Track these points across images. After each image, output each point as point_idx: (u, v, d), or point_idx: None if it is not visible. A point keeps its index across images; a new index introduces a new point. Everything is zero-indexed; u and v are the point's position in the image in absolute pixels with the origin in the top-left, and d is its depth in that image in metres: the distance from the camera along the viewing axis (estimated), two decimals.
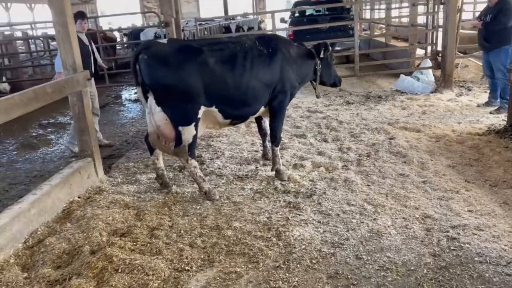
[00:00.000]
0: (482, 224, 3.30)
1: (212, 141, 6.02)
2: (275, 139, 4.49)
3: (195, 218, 3.68)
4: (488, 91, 7.54)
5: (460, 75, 9.00)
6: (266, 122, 4.79)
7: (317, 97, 4.94)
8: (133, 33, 11.81)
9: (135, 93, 11.35)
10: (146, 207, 3.91)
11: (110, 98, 10.86)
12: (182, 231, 3.45)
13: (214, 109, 4.00)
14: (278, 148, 4.56)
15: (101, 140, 6.62)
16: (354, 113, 7.06)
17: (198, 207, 3.92)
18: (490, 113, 6.43)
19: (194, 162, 4.08)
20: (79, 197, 4.14)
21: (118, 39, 17.67)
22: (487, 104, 6.83)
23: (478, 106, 6.93)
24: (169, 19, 7.88)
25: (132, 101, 10.39)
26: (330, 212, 3.68)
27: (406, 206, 3.70)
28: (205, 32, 11.04)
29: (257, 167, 4.84)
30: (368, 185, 4.20)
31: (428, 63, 8.53)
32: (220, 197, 4.09)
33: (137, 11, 10.39)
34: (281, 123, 4.55)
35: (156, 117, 3.84)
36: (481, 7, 11.28)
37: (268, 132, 4.74)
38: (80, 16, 6.01)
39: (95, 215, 3.61)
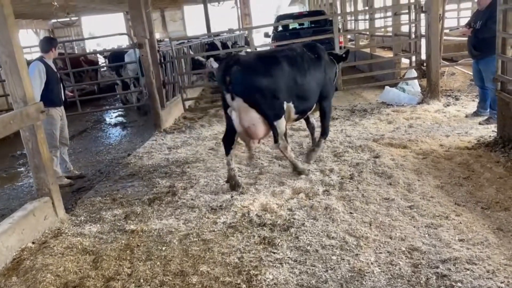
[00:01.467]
0: (475, 256, 2.95)
1: (188, 167, 5.67)
2: (325, 134, 5.37)
3: (158, 263, 3.31)
4: (477, 100, 7.29)
5: (447, 84, 8.75)
6: (311, 118, 5.62)
7: None
8: (114, 55, 11.47)
9: (116, 116, 11.04)
10: (106, 250, 3.53)
11: (89, 123, 10.50)
12: (141, 280, 3.07)
13: (291, 104, 4.71)
14: (325, 140, 5.48)
15: (72, 171, 6.26)
16: (338, 130, 6.74)
17: (163, 248, 3.55)
18: (479, 123, 6.14)
19: (288, 147, 4.84)
20: (33, 243, 3.75)
21: (102, 62, 17.38)
22: (476, 114, 6.54)
23: (467, 116, 6.64)
24: (142, 41, 7.59)
25: (112, 126, 10.05)
26: (308, 247, 3.33)
27: (391, 237, 3.35)
28: (186, 51, 10.76)
29: (232, 196, 4.48)
30: (350, 213, 3.85)
31: (413, 73, 8.28)
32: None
33: (116, 33, 10.08)
34: (330, 119, 5.50)
35: (248, 118, 4.43)
36: (465, 13, 11.16)
37: (315, 126, 5.64)
38: (49, 43, 5.74)
39: (45, 266, 3.23)
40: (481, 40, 6.04)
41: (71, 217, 4.38)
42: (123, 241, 3.74)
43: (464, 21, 10.27)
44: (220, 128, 7.73)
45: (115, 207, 4.57)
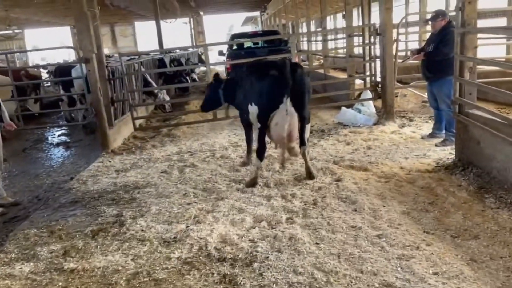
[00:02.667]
0: None
1: (138, 193, 5.20)
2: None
3: None
4: (431, 121, 7.40)
5: (400, 105, 8.88)
6: None
7: None
8: (59, 70, 10.68)
9: (59, 135, 10.26)
10: None
11: (29, 142, 9.66)
12: None
13: None
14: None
15: (5, 198, 5.58)
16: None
17: None
18: (436, 145, 6.17)
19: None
20: None
21: (46, 76, 16.32)
22: (431, 135, 6.59)
23: (422, 138, 6.68)
24: (89, 55, 7.07)
25: (54, 145, 9.28)
26: (274, 286, 3.00)
27: (362, 271, 3.10)
28: (137, 67, 10.25)
29: (188, 226, 4.08)
30: (316, 243, 3.58)
31: (369, 94, 8.32)
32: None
33: (62, 46, 9.35)
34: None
35: (294, 121, 4.75)
36: (414, 37, 11.54)
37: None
38: None
39: None
40: (433, 62, 6.13)
41: None
42: (60, 283, 3.24)
43: (414, 45, 10.68)
44: (173, 149, 7.31)
45: (53, 241, 4.02)
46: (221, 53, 14.94)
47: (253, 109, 4.95)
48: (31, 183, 6.56)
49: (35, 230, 4.32)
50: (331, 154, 6.19)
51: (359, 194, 4.53)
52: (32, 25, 28.07)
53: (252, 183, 5.06)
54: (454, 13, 5.24)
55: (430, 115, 7.99)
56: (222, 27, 37.52)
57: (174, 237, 3.91)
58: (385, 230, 3.69)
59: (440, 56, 5.89)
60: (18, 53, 24.45)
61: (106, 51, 28.13)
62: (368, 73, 8.77)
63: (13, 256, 3.78)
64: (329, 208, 4.26)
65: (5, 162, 7.88)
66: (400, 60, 8.00)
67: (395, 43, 7.71)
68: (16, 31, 23.85)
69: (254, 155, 5.31)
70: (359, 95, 8.73)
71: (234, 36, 14.21)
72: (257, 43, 14.31)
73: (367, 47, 8.62)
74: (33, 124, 11.34)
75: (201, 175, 5.72)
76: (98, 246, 3.85)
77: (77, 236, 4.11)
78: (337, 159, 5.89)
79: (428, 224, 3.81)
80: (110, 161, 6.93)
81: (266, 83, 4.72)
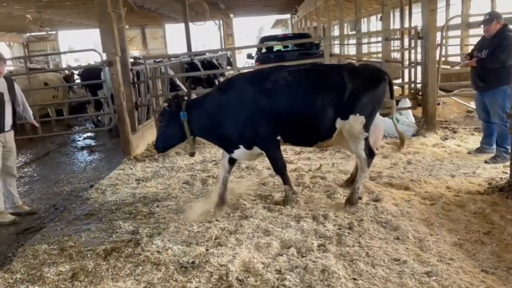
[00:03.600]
0: None
1: (157, 206, 4.85)
2: None
3: None
4: (476, 134, 6.76)
5: (441, 115, 8.22)
6: None
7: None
8: (86, 72, 10.56)
9: (84, 138, 10.12)
10: None
11: (54, 145, 9.54)
12: None
13: None
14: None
15: (20, 206, 5.34)
16: (329, 163, 6.05)
17: None
18: (486, 162, 5.54)
19: None
20: None
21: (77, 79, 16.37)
22: (480, 150, 5.95)
23: (469, 153, 6.04)
24: (112, 58, 6.81)
25: (78, 149, 9.12)
26: None
27: None
28: (164, 70, 9.98)
29: (208, 249, 3.68)
30: (354, 279, 3.10)
31: (407, 102, 7.72)
32: None
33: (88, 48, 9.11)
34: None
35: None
36: (454, 41, 10.80)
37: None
38: None
39: None
40: (487, 70, 5.49)
41: (4, 275, 3.48)
42: None
43: (455, 50, 9.96)
44: (197, 157, 6.94)
45: (62, 260, 3.70)
46: (249, 56, 14.57)
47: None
48: (50, 190, 6.34)
49: (45, 246, 4.02)
50: None
51: (401, 219, 4.00)
52: (66, 27, 28.61)
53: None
54: (509, 15, 4.64)
55: (476, 127, 7.34)
56: (252, 30, 37.22)
57: (192, 262, 3.51)
58: (435, 266, 3.17)
59: (496, 63, 5.26)
60: (51, 55, 24.81)
61: (136, 53, 28.37)
62: (406, 79, 8.15)
63: (18, 276, 3.47)
64: (367, 234, 3.76)
65: (28, 166, 7.78)
66: (448, 66, 7.36)
67: (439, 47, 7.09)
68: (49, 32, 24.24)
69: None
70: (397, 103, 8.11)
71: (264, 39, 13.81)
72: (287, 47, 13.83)
73: (406, 52, 8.01)
74: (63, 126, 11.34)
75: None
76: (110, 269, 3.50)
77: (88, 255, 3.77)
78: (373, 174, 5.37)
79: (486, 261, 3.25)
80: (131, 169, 6.64)
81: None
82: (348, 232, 3.82)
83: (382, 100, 4.52)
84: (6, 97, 4.93)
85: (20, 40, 29.41)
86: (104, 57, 7.04)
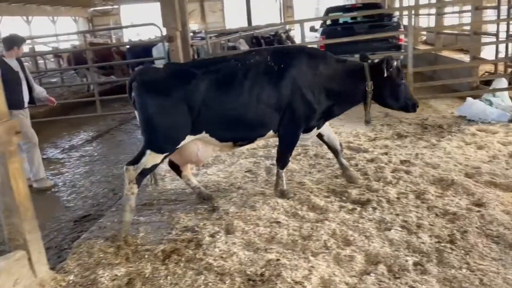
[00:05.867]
0: None
1: (219, 198, 4.39)
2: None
3: None
4: None
5: None
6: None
7: (366, 123, 4.33)
8: (135, 50, 10.25)
9: None
10: None
11: (115, 122, 9.45)
12: None
13: None
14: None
15: (43, 180, 5.46)
16: (411, 153, 5.26)
17: None
18: None
19: (135, 189, 3.74)
20: None
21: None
22: None
23: None
24: (173, 33, 6.36)
25: (139, 126, 8.92)
26: None
27: None
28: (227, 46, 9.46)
29: (279, 259, 3.14)
30: None
31: (504, 82, 6.63)
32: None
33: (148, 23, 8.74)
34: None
35: None
36: None
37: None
38: (11, 41, 5.24)
39: None
40: None
41: (56, 276, 3.18)
42: None
43: None
44: (259, 142, 6.40)
45: (118, 262, 3.34)
46: (313, 29, 13.63)
47: None
48: (110, 172, 6.13)
49: (101, 241, 3.69)
50: (460, 162, 4.82)
51: None
52: (128, 1, 28.91)
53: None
54: None
55: None
56: (311, 1, 35.37)
57: (261, 274, 3.01)
58: None
59: None
60: (111, 29, 25.07)
61: (195, 27, 28.16)
62: (502, 55, 7.01)
63: (71, 279, 3.15)
64: (476, 252, 3.04)
65: (89, 144, 7.68)
66: None
67: None
68: (113, 7, 24.54)
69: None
70: (491, 83, 7.03)
71: (329, 10, 12.77)
72: (355, 18, 12.71)
73: (504, 23, 6.85)
74: (123, 102, 11.27)
75: (291, 180, 4.75)
76: (168, 277, 3.09)
77: (146, 257, 3.39)
78: (470, 170, 4.54)
79: None
80: None
81: None
82: (451, 248, 3.12)
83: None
84: (22, 75, 5.26)
85: (85, 15, 30.16)
86: (164, 32, 6.61)
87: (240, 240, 3.49)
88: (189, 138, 3.79)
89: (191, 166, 4.46)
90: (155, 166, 3.82)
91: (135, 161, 3.70)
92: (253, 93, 3.81)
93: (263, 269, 3.05)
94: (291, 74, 3.89)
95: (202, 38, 10.47)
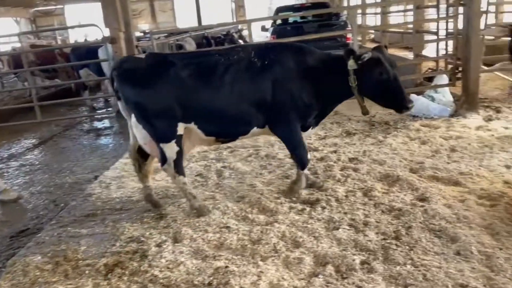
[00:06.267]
0: None
1: (167, 205, 4.24)
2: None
3: None
4: None
5: (482, 92, 7.37)
6: None
7: (363, 114, 4.18)
8: (79, 52, 9.71)
9: (91, 120, 9.53)
10: None
11: (59, 128, 8.98)
12: None
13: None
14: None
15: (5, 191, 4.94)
16: (359, 151, 5.34)
17: None
18: None
19: (182, 179, 3.94)
20: None
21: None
22: None
23: None
24: (115, 34, 6.11)
25: (85, 132, 8.56)
26: None
27: None
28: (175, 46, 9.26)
29: (227, 266, 3.06)
30: None
31: (445, 79, 6.90)
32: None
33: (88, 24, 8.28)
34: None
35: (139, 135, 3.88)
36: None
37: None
38: None
39: None
40: None
41: None
42: None
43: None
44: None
45: (55, 279, 3.13)
46: (263, 28, 13.67)
47: None
48: (52, 181, 5.80)
49: (39, 258, 3.45)
50: (405, 158, 4.95)
51: (459, 226, 3.32)
52: (73, 1, 27.71)
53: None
54: None
55: None
56: (263, 0, 35.52)
57: (209, 283, 2.92)
58: None
59: None
60: (55, 30, 23.93)
61: (146, 27, 27.43)
62: (443, 52, 7.30)
63: None
64: (419, 247, 3.10)
65: (30, 152, 7.26)
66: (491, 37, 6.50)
67: (484, 15, 6.22)
68: (56, 7, 23.42)
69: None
70: (432, 79, 7.30)
71: (279, 10, 12.85)
72: (305, 17, 12.86)
73: (443, 22, 7.13)
74: (68, 107, 10.78)
75: (242, 182, 4.69)
76: None
77: (87, 272, 3.20)
78: (414, 165, 4.66)
79: None
80: None
81: None
82: (396, 244, 3.16)
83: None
84: None
85: (27, 15, 28.61)
86: (106, 33, 6.33)
87: (188, 249, 3.37)
88: (182, 125, 3.76)
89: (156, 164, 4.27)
90: (180, 152, 3.82)
91: (163, 159, 3.83)
92: (232, 87, 3.73)
93: (211, 278, 2.95)
94: (273, 70, 3.79)
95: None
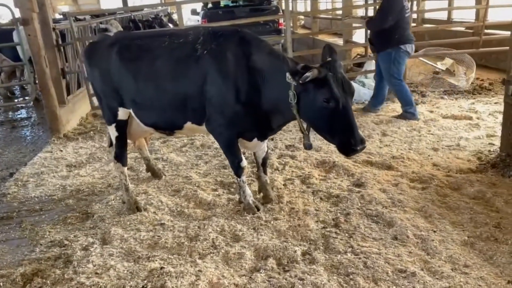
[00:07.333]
0: None
1: (94, 204, 3.89)
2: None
3: None
4: (449, 98, 6.38)
5: (408, 78, 7.69)
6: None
7: (304, 147, 3.17)
8: None
9: (5, 110, 8.62)
10: None
11: None
12: None
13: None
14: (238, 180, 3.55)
15: None
16: (295, 138, 5.31)
17: None
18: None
19: (120, 167, 3.78)
20: None
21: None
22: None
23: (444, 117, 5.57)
24: (28, 15, 5.48)
25: None
26: None
27: None
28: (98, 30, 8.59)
29: (162, 267, 2.84)
30: None
31: (373, 65, 7.07)
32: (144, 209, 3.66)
33: None
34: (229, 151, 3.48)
35: None
36: None
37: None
38: None
39: None
40: (373, 33, 5.85)
41: None
42: None
43: None
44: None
45: None
46: (194, 12, 13.25)
47: None
48: None
49: None
50: None
51: (394, 210, 3.38)
52: None
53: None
54: None
55: (445, 90, 6.91)
56: None
57: (143, 287, 2.68)
58: (451, 278, 2.57)
59: (374, 26, 5.66)
60: None
61: (66, 8, 25.46)
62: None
63: None
64: (358, 234, 3.10)
65: None
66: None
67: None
68: None
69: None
70: (362, 65, 7.46)
71: None
72: (236, 1, 12.64)
73: (371, 8, 7.29)
74: None
75: (177, 174, 4.45)
76: None
77: (1, 284, 2.83)
78: None
79: (508, 266, 2.70)
80: (61, 150, 5.53)
81: None
82: (336, 232, 3.14)
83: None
84: None
85: None
86: (17, 14, 5.66)
87: (118, 250, 3.10)
88: (123, 111, 3.61)
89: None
90: (120, 138, 3.71)
91: (109, 141, 3.94)
92: (165, 75, 3.31)
93: (145, 281, 2.73)
94: (210, 61, 3.15)
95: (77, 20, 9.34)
